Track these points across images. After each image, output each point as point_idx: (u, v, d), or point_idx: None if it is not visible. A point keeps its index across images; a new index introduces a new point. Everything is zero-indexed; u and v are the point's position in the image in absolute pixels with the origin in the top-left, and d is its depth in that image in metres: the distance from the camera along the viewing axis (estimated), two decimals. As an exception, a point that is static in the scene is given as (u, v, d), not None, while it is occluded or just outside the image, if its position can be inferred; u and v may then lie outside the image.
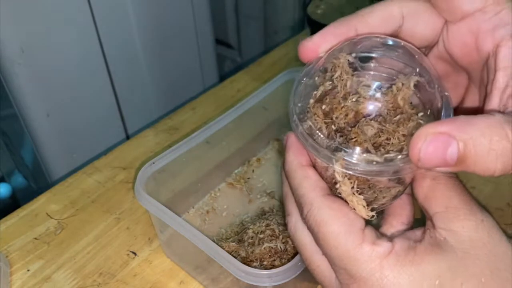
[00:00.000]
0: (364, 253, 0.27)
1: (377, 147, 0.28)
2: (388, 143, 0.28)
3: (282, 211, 0.50)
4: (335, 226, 0.27)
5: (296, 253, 0.42)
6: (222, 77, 0.92)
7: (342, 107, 0.30)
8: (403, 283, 0.26)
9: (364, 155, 0.27)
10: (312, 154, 0.29)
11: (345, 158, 0.27)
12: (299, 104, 0.31)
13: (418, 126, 0.28)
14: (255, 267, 0.41)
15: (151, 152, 0.61)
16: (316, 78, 0.31)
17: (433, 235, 0.27)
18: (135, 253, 0.49)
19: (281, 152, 0.59)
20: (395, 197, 0.31)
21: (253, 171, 0.57)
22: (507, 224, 0.50)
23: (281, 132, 0.61)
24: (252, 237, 0.44)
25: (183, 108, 0.67)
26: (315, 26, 0.70)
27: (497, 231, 0.27)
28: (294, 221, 0.31)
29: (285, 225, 0.45)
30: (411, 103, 0.30)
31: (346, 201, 0.29)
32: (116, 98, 0.77)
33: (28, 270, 0.48)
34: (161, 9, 0.76)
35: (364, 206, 0.28)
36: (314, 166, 0.31)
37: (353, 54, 0.31)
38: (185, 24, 0.82)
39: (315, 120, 0.30)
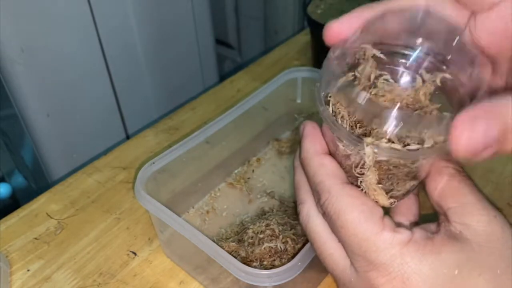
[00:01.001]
0: (385, 240, 0.27)
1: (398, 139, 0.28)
2: (409, 136, 0.28)
3: (282, 211, 0.50)
4: (355, 214, 0.28)
5: (296, 253, 0.42)
6: (222, 77, 0.92)
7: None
8: (424, 270, 0.26)
9: (389, 144, 0.27)
10: (339, 136, 0.29)
11: (376, 142, 0.27)
12: (323, 92, 0.30)
13: (439, 119, 0.28)
14: (255, 267, 0.41)
15: (151, 152, 0.61)
16: (339, 68, 0.31)
17: (449, 228, 0.27)
18: (135, 253, 0.49)
19: (281, 152, 0.59)
20: (408, 192, 0.31)
21: (253, 171, 0.57)
22: (507, 224, 0.50)
23: (281, 132, 0.61)
24: (252, 237, 0.44)
25: (183, 108, 0.67)
26: (315, 26, 0.70)
27: (509, 227, 0.27)
28: (307, 209, 0.32)
29: (285, 224, 0.45)
30: (433, 93, 0.30)
31: (364, 191, 0.29)
32: (116, 98, 0.77)
33: (28, 270, 0.48)
34: (161, 9, 0.76)
35: (384, 195, 0.29)
36: (332, 155, 0.31)
37: (379, 48, 0.30)
38: (185, 24, 0.82)
39: (338, 108, 0.29)
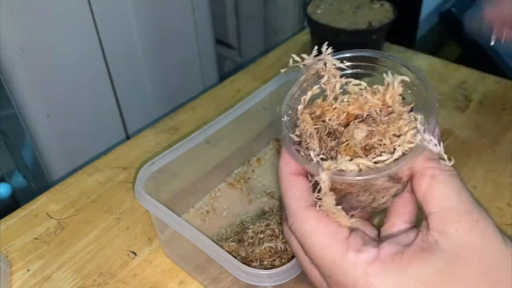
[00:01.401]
0: (349, 261, 0.27)
1: (369, 149, 0.28)
2: (380, 144, 0.28)
3: (282, 211, 0.50)
4: (319, 238, 0.28)
5: (296, 253, 0.42)
6: (222, 77, 0.92)
7: (333, 109, 0.31)
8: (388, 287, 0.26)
9: (355, 161, 0.27)
10: (298, 163, 0.29)
11: (334, 166, 0.27)
12: (289, 111, 0.31)
13: (409, 124, 0.28)
14: (255, 267, 0.41)
15: (151, 152, 0.61)
16: (304, 84, 0.32)
17: (425, 238, 0.27)
18: (135, 253, 0.49)
19: (280, 152, 0.59)
20: (396, 195, 0.30)
21: (253, 171, 0.57)
22: (508, 224, 0.50)
23: (281, 132, 0.61)
24: (252, 237, 0.44)
25: (183, 108, 0.67)
26: (315, 26, 0.70)
27: (492, 231, 0.26)
28: (287, 228, 0.32)
29: (285, 225, 0.45)
30: (403, 98, 0.30)
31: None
32: (116, 98, 0.77)
33: (28, 270, 0.48)
34: (161, 9, 0.76)
35: (345, 216, 0.28)
36: (307, 174, 0.31)
37: (339, 56, 0.31)
38: (185, 24, 0.82)
39: (305, 126, 0.30)
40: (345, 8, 0.71)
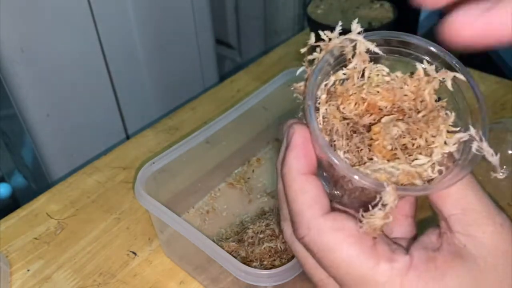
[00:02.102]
0: (383, 274, 0.24)
1: (401, 150, 0.25)
2: (414, 143, 0.25)
3: (281, 212, 0.50)
4: (343, 251, 0.24)
5: (296, 253, 0.42)
6: (222, 77, 0.92)
7: (350, 96, 0.26)
8: None
9: (395, 166, 0.24)
10: (347, 174, 0.24)
11: (390, 177, 0.23)
12: (311, 99, 0.26)
13: (444, 122, 0.25)
14: (255, 267, 0.41)
15: (151, 152, 0.61)
16: (328, 66, 0.27)
17: (451, 242, 0.25)
18: (135, 253, 0.49)
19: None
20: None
21: (253, 171, 0.57)
22: (507, 224, 0.50)
23: (281, 132, 0.61)
24: (252, 237, 0.44)
25: (183, 108, 0.67)
26: (315, 26, 0.70)
27: None
28: (291, 232, 0.28)
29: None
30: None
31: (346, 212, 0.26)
32: (116, 98, 0.77)
33: (28, 270, 0.48)
34: (161, 9, 0.76)
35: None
36: (320, 164, 0.27)
37: (374, 37, 0.27)
38: (185, 24, 0.82)
39: (331, 120, 0.26)
40: (345, 8, 0.71)
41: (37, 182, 0.80)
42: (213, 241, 0.38)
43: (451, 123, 0.26)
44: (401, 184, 0.24)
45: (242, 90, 0.70)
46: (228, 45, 1.11)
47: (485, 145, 0.25)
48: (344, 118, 0.26)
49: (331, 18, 0.69)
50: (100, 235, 0.51)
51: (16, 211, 0.54)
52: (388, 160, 0.25)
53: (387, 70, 0.27)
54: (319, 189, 0.26)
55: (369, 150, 0.26)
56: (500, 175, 0.26)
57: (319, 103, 0.26)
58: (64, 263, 0.48)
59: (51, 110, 0.68)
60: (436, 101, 0.27)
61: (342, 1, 0.72)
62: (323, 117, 0.26)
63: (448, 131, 0.26)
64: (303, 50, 0.27)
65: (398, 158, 0.25)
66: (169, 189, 0.48)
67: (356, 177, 0.23)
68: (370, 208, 0.24)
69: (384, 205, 0.23)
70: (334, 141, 0.26)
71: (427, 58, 0.27)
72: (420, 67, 0.27)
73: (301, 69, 0.28)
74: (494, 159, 0.24)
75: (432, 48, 0.27)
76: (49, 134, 0.70)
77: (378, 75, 0.27)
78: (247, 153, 0.58)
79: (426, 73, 0.27)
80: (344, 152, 0.26)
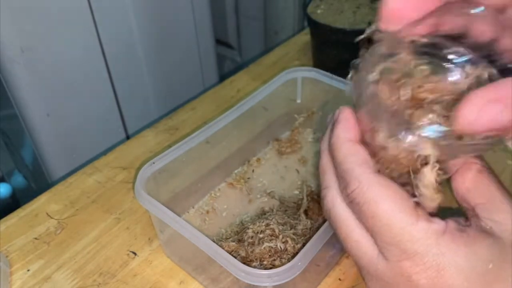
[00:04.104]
0: (420, 230, 0.27)
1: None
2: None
3: (282, 211, 0.50)
4: (387, 204, 0.27)
5: (296, 253, 0.42)
6: (222, 77, 0.92)
7: (398, 87, 0.27)
8: (459, 262, 0.26)
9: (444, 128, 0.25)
10: (388, 127, 0.26)
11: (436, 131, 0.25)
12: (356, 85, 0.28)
13: None
14: (255, 267, 0.41)
15: (151, 152, 0.61)
16: (378, 56, 0.28)
17: (479, 224, 0.28)
18: (135, 253, 0.49)
19: (281, 152, 0.59)
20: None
21: (253, 171, 0.57)
22: (507, 224, 0.50)
23: (281, 132, 0.61)
24: (252, 236, 0.44)
25: (183, 108, 0.68)
26: (315, 26, 0.70)
27: None
28: (332, 195, 0.31)
29: (285, 224, 0.45)
30: None
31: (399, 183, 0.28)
32: (116, 98, 0.77)
33: (28, 270, 0.48)
34: (161, 9, 0.76)
35: (436, 201, 0.28)
36: (365, 144, 0.30)
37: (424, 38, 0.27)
38: (185, 24, 0.82)
39: (382, 93, 0.27)
40: (345, 8, 0.71)
41: (37, 182, 0.80)
42: (213, 241, 0.38)
43: None
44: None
45: (242, 90, 0.70)
46: (228, 45, 1.11)
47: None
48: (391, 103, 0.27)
49: (331, 18, 0.69)
50: (100, 235, 0.51)
51: (16, 211, 0.54)
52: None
53: (429, 69, 0.27)
54: (366, 154, 0.29)
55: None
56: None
57: (371, 82, 0.28)
58: (64, 263, 0.48)
59: (51, 110, 0.68)
60: None
61: (342, 1, 0.72)
62: (379, 89, 0.27)
63: None
64: (360, 37, 0.29)
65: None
66: (169, 189, 0.48)
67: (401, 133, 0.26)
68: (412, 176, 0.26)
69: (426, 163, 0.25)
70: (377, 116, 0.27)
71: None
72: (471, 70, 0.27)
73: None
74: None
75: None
76: (49, 134, 0.70)
77: (419, 71, 0.27)
78: (247, 153, 0.58)
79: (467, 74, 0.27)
80: (386, 135, 0.27)
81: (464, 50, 0.27)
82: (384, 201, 0.27)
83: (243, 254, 0.43)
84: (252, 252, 0.43)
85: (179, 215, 0.41)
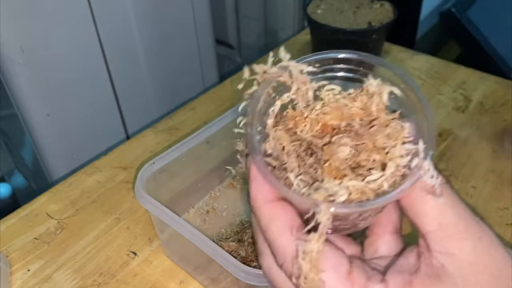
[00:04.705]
0: None
1: (355, 167, 0.25)
2: (369, 160, 0.25)
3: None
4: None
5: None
6: (222, 77, 0.92)
7: (305, 118, 0.27)
8: None
9: (344, 184, 0.23)
10: (285, 196, 0.24)
11: (329, 196, 0.23)
12: (258, 128, 0.26)
13: (397, 133, 0.25)
14: (255, 267, 0.41)
15: (151, 152, 0.61)
16: (271, 95, 0.28)
17: (429, 262, 0.24)
18: (135, 253, 0.49)
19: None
20: (381, 211, 0.28)
21: (253, 171, 0.57)
22: (508, 224, 0.50)
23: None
24: (252, 237, 0.44)
25: (183, 108, 0.68)
26: (315, 26, 0.70)
27: (497, 247, 0.24)
28: (267, 263, 0.27)
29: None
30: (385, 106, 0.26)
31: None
32: (116, 98, 0.77)
33: (28, 270, 0.48)
34: (161, 9, 0.76)
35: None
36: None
37: (307, 59, 0.28)
38: (185, 24, 0.82)
39: (280, 144, 0.26)
40: (345, 8, 0.71)
41: (37, 182, 0.80)
42: (213, 241, 0.38)
43: (406, 135, 0.25)
44: (353, 202, 0.23)
45: (242, 90, 0.70)
46: (228, 45, 1.11)
47: (426, 163, 0.23)
48: (297, 140, 0.26)
49: (331, 18, 0.69)
50: (100, 235, 0.51)
51: (16, 211, 0.54)
52: (340, 182, 0.24)
53: (338, 88, 0.27)
54: (289, 213, 0.25)
55: (323, 173, 0.25)
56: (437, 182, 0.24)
57: (270, 129, 0.27)
58: (64, 263, 0.48)
59: (51, 110, 0.68)
60: (387, 114, 0.26)
61: (342, 1, 0.72)
62: (273, 139, 0.26)
63: (404, 142, 0.25)
64: (240, 87, 0.29)
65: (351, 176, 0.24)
66: (169, 189, 0.48)
67: (292, 196, 0.23)
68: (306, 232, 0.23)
69: (317, 226, 0.22)
70: (285, 163, 0.25)
71: (371, 72, 0.27)
72: (368, 82, 0.27)
73: (242, 104, 0.29)
74: (432, 180, 0.23)
75: (374, 61, 0.27)
76: (49, 134, 0.70)
77: (328, 94, 0.27)
78: (247, 153, 0.58)
79: (369, 88, 0.27)
80: (298, 174, 0.25)
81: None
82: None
83: (243, 254, 0.43)
84: (252, 252, 0.43)
85: (179, 215, 0.41)
